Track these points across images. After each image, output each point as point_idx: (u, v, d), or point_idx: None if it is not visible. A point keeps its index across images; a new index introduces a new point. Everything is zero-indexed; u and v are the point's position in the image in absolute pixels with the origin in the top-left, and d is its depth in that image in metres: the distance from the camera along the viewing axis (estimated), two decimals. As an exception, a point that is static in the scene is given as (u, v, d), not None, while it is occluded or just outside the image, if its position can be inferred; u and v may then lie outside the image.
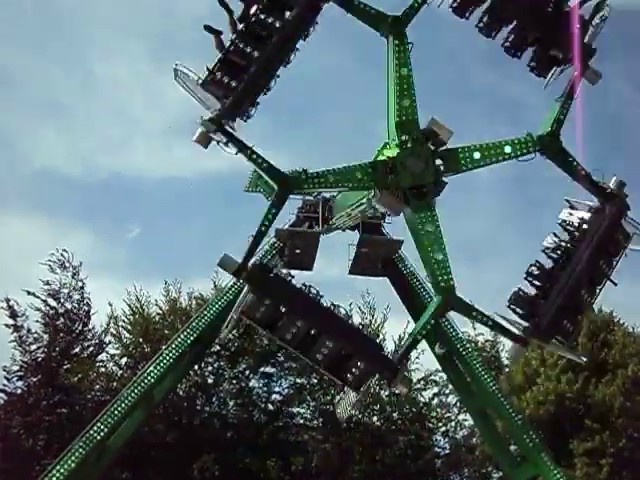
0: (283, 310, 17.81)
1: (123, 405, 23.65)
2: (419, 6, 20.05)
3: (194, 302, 39.57)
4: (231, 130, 18.63)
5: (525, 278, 20.57)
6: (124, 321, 39.01)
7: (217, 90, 18.24)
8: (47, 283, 36.24)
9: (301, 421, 41.45)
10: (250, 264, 18.54)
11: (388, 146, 20.45)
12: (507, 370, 41.06)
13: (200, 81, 18.20)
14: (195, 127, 18.66)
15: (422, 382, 41.31)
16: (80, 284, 37.02)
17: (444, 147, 19.82)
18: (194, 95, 18.76)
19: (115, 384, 36.90)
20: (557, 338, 20.05)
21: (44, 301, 36.12)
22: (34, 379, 35.79)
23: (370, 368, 17.53)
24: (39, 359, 36.04)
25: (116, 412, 23.52)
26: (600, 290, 20.24)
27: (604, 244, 19.55)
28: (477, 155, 19.44)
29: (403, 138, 19.39)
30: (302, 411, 41.58)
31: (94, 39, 74.44)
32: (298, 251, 27.11)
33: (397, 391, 18.60)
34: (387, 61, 20.04)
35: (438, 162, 19.75)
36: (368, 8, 19.76)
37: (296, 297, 17.43)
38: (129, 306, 39.01)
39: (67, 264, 36.71)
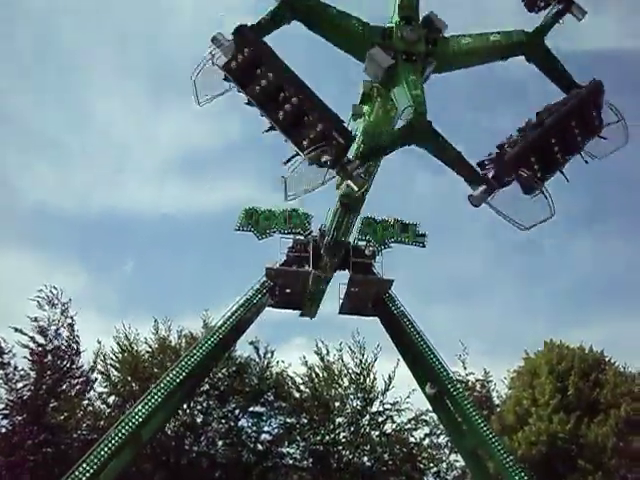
0: (259, 63, 16.25)
1: (110, 445, 23.40)
2: None
3: (184, 340, 39.26)
4: None
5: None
6: (112, 359, 38.62)
7: None
8: (35, 320, 35.88)
9: (290, 461, 40.90)
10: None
11: None
12: (498, 410, 40.81)
13: None
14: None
15: (413, 422, 40.92)
16: (69, 321, 36.68)
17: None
18: None
19: (102, 423, 36.30)
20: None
21: (31, 338, 35.71)
22: (19, 418, 35.21)
23: (325, 130, 15.71)
24: (25, 397, 35.46)
25: (103, 452, 23.25)
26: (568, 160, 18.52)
27: (577, 112, 18.28)
28: (466, 40, 18.84)
29: (402, 15, 18.59)
30: (292, 451, 41.07)
31: (92, 77, 75.04)
32: (288, 290, 27.13)
33: (346, 187, 16.74)
34: None
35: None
36: None
37: (274, 57, 16.44)
38: (118, 344, 38.69)
39: (56, 301, 36.40)
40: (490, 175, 17.39)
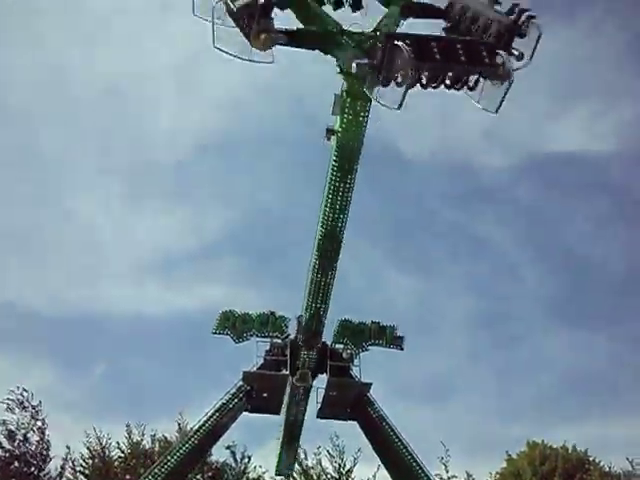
0: None
1: None
2: None
3: (157, 445, 38.20)
4: None
5: None
6: (82, 465, 37.33)
7: None
8: (3, 423, 34.89)
9: None
10: None
11: None
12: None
13: None
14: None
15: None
16: (40, 424, 35.67)
17: None
18: None
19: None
20: None
21: (-1, 443, 34.61)
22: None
23: None
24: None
25: None
26: None
27: None
28: None
29: None
30: None
31: (70, 176, 75.82)
32: (265, 394, 26.67)
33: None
34: None
35: None
36: None
37: None
38: (88, 449, 37.48)
39: (27, 403, 35.51)
40: None
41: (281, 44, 16.40)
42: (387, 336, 28.17)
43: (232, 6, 15.87)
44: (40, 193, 72.74)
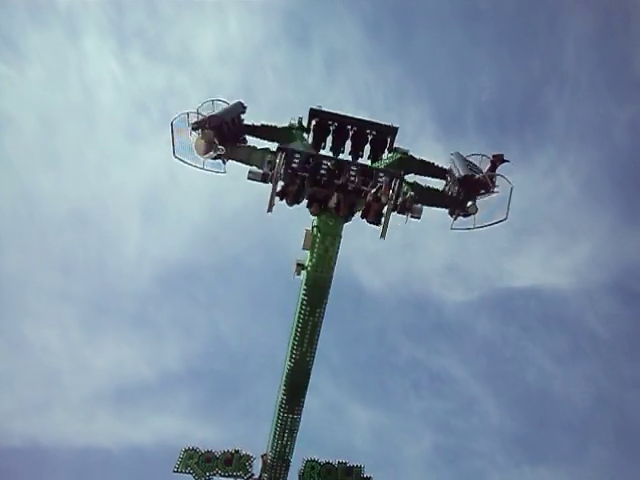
0: None
1: None
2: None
3: None
4: None
5: None
6: None
7: None
8: None
9: None
10: None
11: None
12: None
13: None
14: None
15: None
16: None
17: None
18: None
19: None
20: None
21: None
22: None
23: None
24: None
25: None
26: None
27: None
28: None
29: None
30: None
31: (26, 301, 74.82)
32: None
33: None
34: None
35: None
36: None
37: None
38: None
39: None
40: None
41: (220, 155, 19.53)
42: (354, 477, 27.43)
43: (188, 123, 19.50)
44: (-4, 319, 71.42)
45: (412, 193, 19.00)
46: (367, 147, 21.39)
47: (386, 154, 21.51)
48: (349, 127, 21.44)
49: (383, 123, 21.51)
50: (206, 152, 19.35)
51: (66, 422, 69.77)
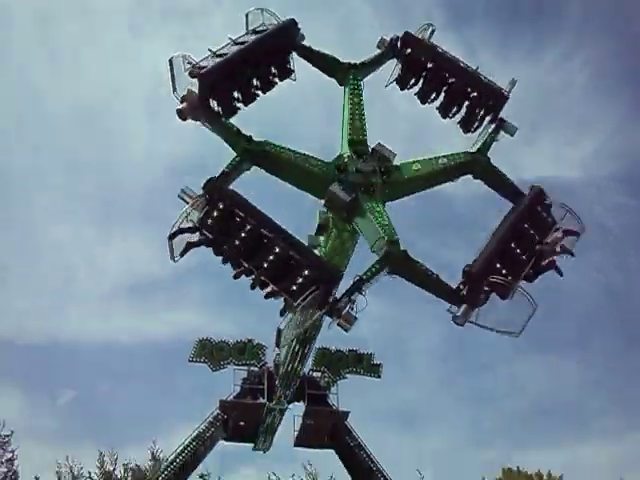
0: (235, 213, 16.25)
1: None
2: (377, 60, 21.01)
3: (130, 475, 37.57)
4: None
5: None
6: (53, 497, 36.56)
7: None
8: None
9: None
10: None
11: None
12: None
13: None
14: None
15: None
16: (9, 455, 34.92)
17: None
18: None
19: None
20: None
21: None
22: None
23: (313, 275, 15.55)
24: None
25: None
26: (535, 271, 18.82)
27: (527, 215, 18.91)
28: (416, 166, 19.41)
29: (354, 149, 19.38)
30: None
31: (38, 200, 75.04)
32: (242, 423, 26.55)
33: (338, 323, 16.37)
34: (344, 96, 20.56)
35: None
36: (326, 56, 20.68)
37: (250, 206, 16.24)
38: (59, 479, 36.74)
39: (-5, 434, 34.78)
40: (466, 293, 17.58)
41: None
42: (365, 364, 28.26)
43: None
44: (8, 218, 71.93)
45: None
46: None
47: (481, 130, 20.67)
48: (447, 75, 20.34)
49: (493, 84, 20.41)
50: (185, 117, 17.77)
51: (82, 319, 71.32)
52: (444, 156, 20.02)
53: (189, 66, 17.70)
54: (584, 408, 66.13)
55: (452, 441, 66.47)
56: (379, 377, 28.40)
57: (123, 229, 77.92)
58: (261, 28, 19.60)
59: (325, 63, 20.67)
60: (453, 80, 20.46)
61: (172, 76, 17.79)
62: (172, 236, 16.22)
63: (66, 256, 74.32)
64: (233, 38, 18.95)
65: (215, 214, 16.14)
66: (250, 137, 18.04)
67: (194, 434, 26.21)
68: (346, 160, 18.95)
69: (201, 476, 38.20)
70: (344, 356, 28.15)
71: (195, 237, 16.39)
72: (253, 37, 19.26)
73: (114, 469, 37.82)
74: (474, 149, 20.49)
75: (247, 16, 19.73)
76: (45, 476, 36.52)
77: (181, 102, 17.65)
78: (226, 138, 18.24)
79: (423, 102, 21.07)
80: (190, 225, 16.22)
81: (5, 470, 34.92)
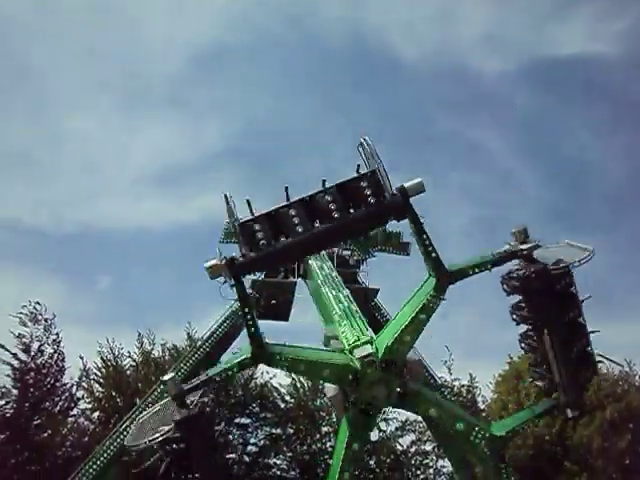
0: None
1: (99, 463, 23.19)
2: None
3: (167, 354, 39.00)
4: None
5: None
6: (96, 374, 38.22)
7: (246, 238, 17.91)
8: (19, 336, 35.47)
9: (277, 472, 40.70)
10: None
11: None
12: (484, 414, 40.92)
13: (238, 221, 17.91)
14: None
15: (399, 430, 40.95)
16: (54, 337, 36.34)
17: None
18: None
19: (87, 439, 36.00)
20: None
21: (14, 355, 35.28)
22: (2, 436, 34.73)
23: None
24: (7, 415, 35.01)
25: (91, 470, 23.03)
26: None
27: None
28: (434, 412, 19.01)
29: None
30: (278, 462, 40.92)
31: (63, 92, 74.80)
32: (274, 302, 27.07)
33: None
34: None
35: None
36: None
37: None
38: (102, 359, 38.28)
39: (40, 317, 36.05)
40: None
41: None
42: (393, 242, 28.40)
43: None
44: (36, 111, 71.99)
45: None
46: None
47: None
48: None
49: None
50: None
51: (114, 207, 72.70)
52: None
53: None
54: (610, 290, 66.71)
55: (480, 320, 67.83)
56: (408, 255, 28.65)
57: (149, 117, 77.79)
58: None
59: None
60: None
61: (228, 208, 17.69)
62: None
63: (94, 146, 74.92)
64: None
65: None
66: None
67: (226, 313, 26.84)
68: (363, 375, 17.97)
69: (234, 354, 39.57)
70: (373, 234, 28.20)
71: None
72: None
73: (152, 349, 39.40)
74: None
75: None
76: (89, 356, 38.23)
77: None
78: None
79: None
80: None
81: (51, 351, 36.49)
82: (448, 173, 77.53)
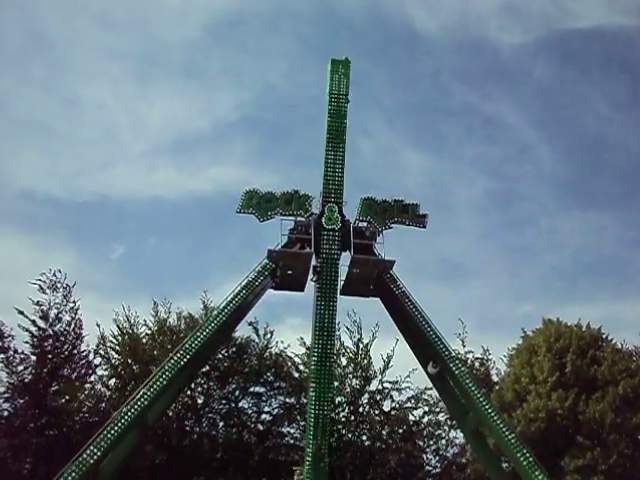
0: None
1: (116, 428, 23.48)
2: None
3: (183, 322, 39.34)
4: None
5: None
6: (112, 342, 38.67)
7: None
8: (37, 303, 35.89)
9: (291, 441, 41.18)
10: None
11: None
12: (497, 388, 41.12)
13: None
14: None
15: (412, 401, 41.23)
16: (72, 305, 36.74)
17: None
18: None
19: (104, 405, 36.61)
20: None
21: (33, 321, 35.74)
22: (21, 401, 35.36)
23: None
24: (26, 380, 35.59)
25: (109, 435, 23.34)
26: None
27: None
28: None
29: None
30: (292, 431, 41.41)
31: (77, 61, 74.63)
32: (290, 272, 27.17)
33: None
34: None
35: None
36: None
37: None
38: (118, 327, 38.69)
39: (59, 285, 36.42)
40: None
41: None
42: (410, 214, 28.27)
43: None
44: (50, 79, 71.90)
45: None
46: None
47: None
48: None
49: None
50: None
51: (129, 176, 72.79)
52: None
53: None
54: (623, 266, 66.42)
55: (493, 294, 67.90)
56: (424, 227, 28.46)
57: (164, 86, 77.47)
58: None
59: None
60: None
61: None
62: None
63: (108, 115, 74.77)
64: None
65: None
66: None
67: (243, 283, 26.90)
68: None
69: (250, 323, 39.92)
70: (390, 206, 28.11)
71: None
72: None
73: (168, 317, 39.75)
74: None
75: None
76: (105, 324, 38.64)
77: None
78: None
79: None
80: None
81: (69, 318, 36.91)
82: (463, 146, 77.02)
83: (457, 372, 26.74)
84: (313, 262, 26.74)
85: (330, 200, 27.21)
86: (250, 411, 41.26)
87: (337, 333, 40.18)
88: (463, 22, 75.41)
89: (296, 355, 41.12)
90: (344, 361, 41.46)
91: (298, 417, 40.81)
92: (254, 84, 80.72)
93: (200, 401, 39.87)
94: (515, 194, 77.02)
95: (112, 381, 38.82)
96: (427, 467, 42.45)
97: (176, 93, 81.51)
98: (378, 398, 41.28)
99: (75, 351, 36.86)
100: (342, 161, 27.25)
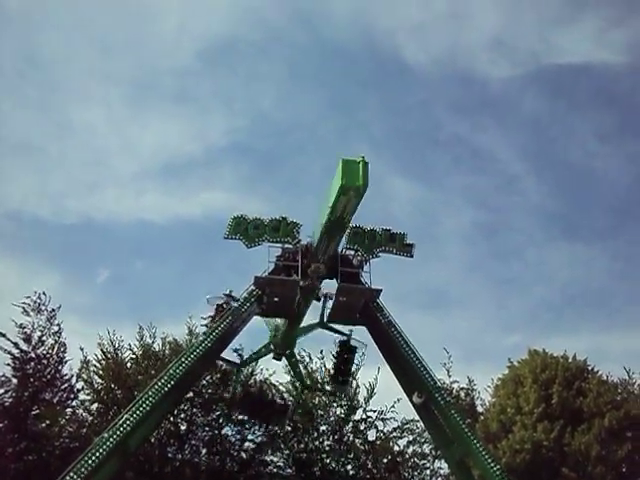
0: None
1: (97, 454, 23.17)
2: None
3: (168, 347, 39.00)
4: None
5: None
6: (96, 366, 38.20)
7: None
8: (20, 326, 35.50)
9: (274, 469, 40.69)
10: None
11: None
12: (482, 418, 40.97)
13: None
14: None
15: (397, 431, 40.93)
16: (56, 328, 36.35)
17: None
18: None
19: (85, 430, 36.06)
20: None
21: (15, 344, 35.31)
22: (0, 425, 34.80)
23: None
24: (6, 404, 35.06)
25: (90, 461, 23.02)
26: None
27: None
28: None
29: None
30: (275, 459, 40.89)
31: (70, 83, 74.80)
32: (277, 299, 27.12)
33: None
34: None
35: None
36: None
37: None
38: (102, 351, 38.26)
39: (43, 307, 36.07)
40: None
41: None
42: (397, 243, 28.41)
43: None
44: (42, 101, 71.99)
45: None
46: None
47: None
48: None
49: None
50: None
51: (117, 199, 72.65)
52: None
53: None
54: (610, 298, 66.69)
55: (479, 325, 67.97)
56: (411, 256, 28.61)
57: (156, 110, 77.76)
58: None
59: None
60: None
61: None
62: None
63: (100, 137, 74.87)
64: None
65: None
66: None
67: (229, 309, 26.86)
68: None
69: (235, 350, 39.60)
70: (377, 235, 28.29)
71: None
72: None
73: (153, 342, 39.38)
74: None
75: None
76: (89, 348, 38.21)
77: None
78: None
79: None
80: None
81: (52, 342, 36.49)
82: (452, 176, 77.55)
83: (442, 402, 26.67)
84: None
85: None
86: (234, 439, 40.78)
87: (322, 361, 40.29)
88: (453, 55, 76.37)
89: (280, 383, 40.82)
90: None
91: (282, 445, 40.41)
92: (245, 111, 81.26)
93: (183, 427, 39.36)
94: (503, 225, 77.52)
95: (94, 406, 38.22)
96: (412, 498, 41.97)
97: (167, 117, 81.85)
98: (362, 427, 40.95)
99: (57, 375, 36.38)
100: None
